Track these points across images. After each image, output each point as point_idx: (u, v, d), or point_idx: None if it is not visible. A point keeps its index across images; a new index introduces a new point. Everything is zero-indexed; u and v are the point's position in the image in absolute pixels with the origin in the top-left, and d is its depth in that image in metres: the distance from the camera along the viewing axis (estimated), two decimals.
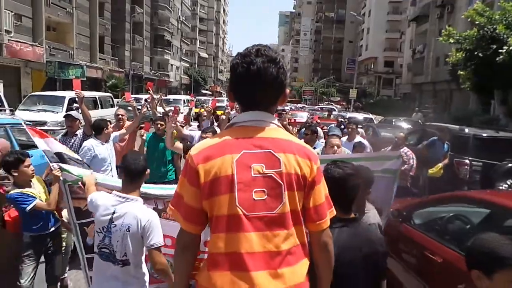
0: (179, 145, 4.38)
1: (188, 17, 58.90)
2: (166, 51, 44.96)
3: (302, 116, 16.53)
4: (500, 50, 11.37)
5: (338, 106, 39.51)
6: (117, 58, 32.84)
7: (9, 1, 18.57)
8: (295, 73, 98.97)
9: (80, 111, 4.82)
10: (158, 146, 4.95)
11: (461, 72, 14.13)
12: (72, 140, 4.56)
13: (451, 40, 13.55)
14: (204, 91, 54.83)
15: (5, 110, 10.84)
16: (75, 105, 13.51)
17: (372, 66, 54.71)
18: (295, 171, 1.37)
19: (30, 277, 2.97)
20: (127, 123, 5.45)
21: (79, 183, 2.65)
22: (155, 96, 6.48)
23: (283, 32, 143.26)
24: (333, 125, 9.91)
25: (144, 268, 2.33)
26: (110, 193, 2.33)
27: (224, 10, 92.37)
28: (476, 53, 12.48)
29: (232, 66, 1.42)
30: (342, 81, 60.57)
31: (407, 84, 40.53)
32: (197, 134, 5.05)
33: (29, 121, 10.76)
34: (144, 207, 2.25)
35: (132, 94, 26.64)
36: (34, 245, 3.02)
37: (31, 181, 3.03)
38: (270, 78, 1.38)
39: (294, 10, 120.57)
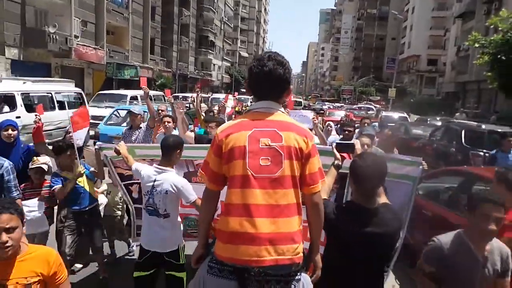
0: (190, 134, 4.74)
1: (230, 17, 60.64)
2: (210, 51, 47.00)
3: (340, 115, 17.34)
4: None
5: (377, 105, 39.42)
6: (165, 59, 35.14)
7: (77, 9, 20.98)
8: (334, 71, 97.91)
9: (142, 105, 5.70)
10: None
11: (488, 74, 14.80)
12: (137, 133, 5.06)
13: (476, 45, 14.44)
14: (243, 90, 56.32)
15: (87, 107, 12.90)
16: (134, 102, 15.44)
17: (414, 64, 53.51)
18: (294, 145, 1.75)
19: (69, 245, 3.46)
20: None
21: (117, 155, 3.31)
22: (194, 95, 6.81)
23: (323, 30, 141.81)
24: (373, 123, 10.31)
25: (179, 220, 3.05)
26: (151, 165, 2.97)
27: (265, 9, 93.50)
28: (499, 56, 13.24)
29: (250, 68, 1.86)
30: (383, 79, 59.64)
31: (450, 83, 39.56)
32: None
33: (99, 116, 12.67)
34: (177, 176, 2.88)
35: (177, 92, 28.63)
36: (73, 219, 3.53)
37: (73, 166, 3.53)
38: (278, 77, 1.80)
39: (335, 8, 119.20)
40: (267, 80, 1.79)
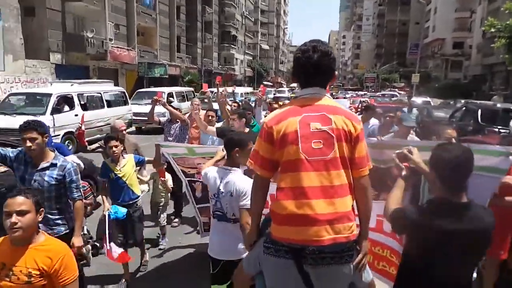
0: (212, 128, 4.65)
1: (251, 11, 61.23)
2: (232, 46, 47.94)
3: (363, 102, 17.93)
4: None
5: (402, 92, 39.23)
6: (190, 56, 36.38)
7: (110, 13, 22.38)
8: (356, 60, 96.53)
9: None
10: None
11: (506, 56, 15.43)
12: (175, 126, 5.52)
13: (493, 29, 15.23)
14: (265, 83, 57.08)
15: (129, 104, 14.14)
16: (170, 98, 16.55)
17: (439, 48, 52.42)
18: (343, 128, 1.79)
19: (116, 236, 3.63)
20: (202, 112, 5.97)
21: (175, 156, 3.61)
22: (222, 89, 7.03)
23: (344, 17, 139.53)
24: (405, 109, 10.05)
25: None
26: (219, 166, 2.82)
27: (284, 1, 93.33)
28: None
29: (297, 59, 1.90)
30: (407, 65, 58.62)
31: (476, 66, 38.79)
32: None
33: (141, 113, 13.83)
34: (242, 176, 2.61)
35: (202, 88, 29.56)
36: None
37: (121, 157, 3.74)
38: (325, 67, 1.85)
39: None
40: (314, 71, 1.86)
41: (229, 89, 10.64)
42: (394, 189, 2.07)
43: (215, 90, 7.50)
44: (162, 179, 4.44)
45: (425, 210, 1.83)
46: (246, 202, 2.42)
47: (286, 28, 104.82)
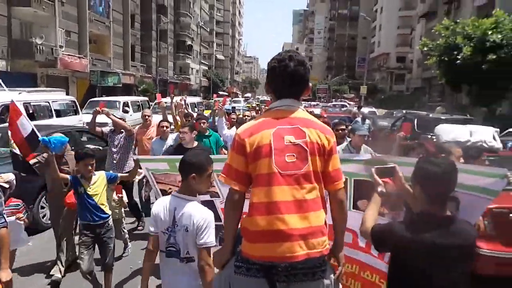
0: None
1: (206, 22, 61.58)
2: (187, 55, 47.92)
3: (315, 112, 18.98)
4: (458, 56, 14.95)
5: (352, 102, 41.43)
6: (145, 65, 35.93)
7: (61, 20, 21.68)
8: None
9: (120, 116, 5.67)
10: (203, 143, 5.13)
11: (437, 71, 17.84)
12: (119, 137, 5.26)
13: (425, 48, 17.41)
14: (221, 93, 57.50)
15: (80, 114, 13.68)
16: (125, 108, 16.34)
17: (384, 62, 56.04)
18: (317, 141, 1.77)
19: (87, 261, 3.39)
20: (154, 122, 6.01)
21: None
22: (177, 99, 6.98)
23: (297, 30, 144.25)
24: (358, 119, 10.48)
25: None
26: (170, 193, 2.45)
27: (239, 12, 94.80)
28: (443, 57, 16.14)
29: (272, 68, 1.85)
30: (356, 77, 61.86)
31: (417, 79, 42.07)
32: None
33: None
34: (200, 207, 2.20)
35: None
36: (86, 233, 3.45)
37: (92, 176, 3.46)
38: (300, 76, 1.83)
39: (307, 9, 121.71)
40: (290, 80, 1.83)
41: (178, 98, 10.26)
42: (371, 205, 2.06)
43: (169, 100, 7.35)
44: (119, 195, 4.33)
45: (414, 224, 1.80)
46: (207, 240, 2.12)
47: (241, 39, 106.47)
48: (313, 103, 42.39)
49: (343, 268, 1.98)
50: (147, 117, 6.08)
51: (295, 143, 1.76)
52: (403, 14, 53.09)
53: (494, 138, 4.53)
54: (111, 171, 4.34)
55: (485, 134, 4.54)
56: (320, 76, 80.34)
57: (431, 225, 1.75)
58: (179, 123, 6.10)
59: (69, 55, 21.95)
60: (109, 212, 3.62)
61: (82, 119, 13.37)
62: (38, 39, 19.09)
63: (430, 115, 8.67)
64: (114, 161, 5.19)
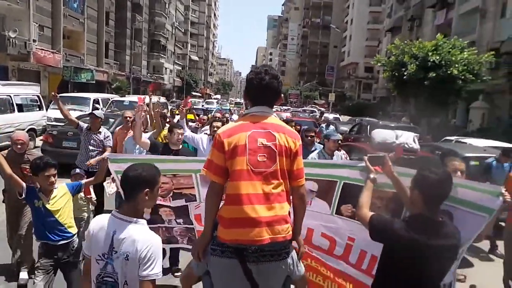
0: (146, 140, 4.33)
1: (181, 22, 61.63)
2: (161, 55, 47.96)
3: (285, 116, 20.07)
4: (405, 72, 17.55)
5: (322, 108, 43.02)
6: (119, 62, 35.82)
7: (35, 14, 21.58)
8: (282, 76, 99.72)
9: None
10: (187, 146, 5.02)
11: (390, 84, 20.27)
12: (96, 137, 5.28)
13: (379, 64, 20.21)
14: (194, 93, 57.63)
15: (44, 109, 12.95)
16: (96, 105, 16.08)
17: (353, 71, 58.39)
18: (285, 144, 2.07)
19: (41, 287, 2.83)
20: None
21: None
22: (154, 99, 6.89)
23: (271, 35, 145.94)
24: (323, 125, 11.37)
25: None
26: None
27: (214, 15, 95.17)
28: (393, 73, 18.80)
29: (250, 79, 2.16)
30: (327, 84, 63.77)
31: (382, 89, 44.28)
32: (202, 137, 4.98)
33: (62, 119, 11.90)
34: (147, 232, 1.89)
35: (131, 95, 29.15)
36: (44, 255, 2.94)
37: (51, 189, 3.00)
38: (273, 88, 2.14)
39: (282, 15, 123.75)
40: (265, 91, 2.13)
41: (155, 98, 9.85)
42: (365, 191, 2.31)
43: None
44: (88, 196, 4.17)
45: (412, 225, 1.98)
46: (151, 271, 1.80)
47: (216, 41, 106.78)
48: (284, 107, 43.76)
49: (302, 249, 2.27)
50: (128, 118, 5.85)
51: (266, 145, 2.03)
52: (371, 27, 55.71)
53: (414, 141, 5.67)
54: (78, 170, 4.28)
55: (408, 138, 5.68)
56: (293, 82, 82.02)
57: (426, 226, 1.96)
58: (154, 122, 5.92)
59: (42, 49, 21.85)
60: (74, 231, 3.09)
61: (45, 115, 12.90)
62: (12, 32, 18.98)
63: (380, 122, 9.92)
64: (90, 159, 5.12)
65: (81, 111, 13.39)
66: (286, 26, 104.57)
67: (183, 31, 63.08)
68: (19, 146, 3.79)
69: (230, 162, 2.05)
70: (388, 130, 6.08)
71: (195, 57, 75.62)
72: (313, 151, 5.03)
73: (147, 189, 1.88)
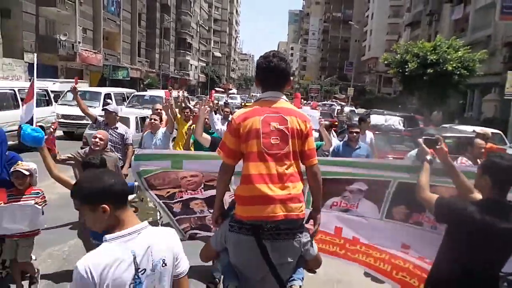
0: (207, 136, 4.23)
1: (205, 20, 63.69)
2: (187, 52, 50.36)
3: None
4: (407, 69, 19.97)
5: (342, 102, 43.87)
6: (149, 60, 38.40)
7: (79, 18, 24.13)
8: (303, 71, 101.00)
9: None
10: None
11: (396, 80, 22.54)
12: (112, 131, 4.93)
13: (386, 62, 22.70)
14: (217, 89, 59.56)
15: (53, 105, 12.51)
16: (108, 100, 14.83)
17: (374, 66, 58.50)
18: (296, 127, 2.19)
19: None
20: (165, 117, 5.70)
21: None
22: (179, 94, 7.12)
23: (292, 30, 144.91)
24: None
25: None
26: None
27: (236, 11, 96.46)
28: (398, 69, 21.17)
29: (259, 64, 2.28)
30: (348, 79, 64.04)
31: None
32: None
33: (71, 115, 12.46)
34: (169, 230, 1.72)
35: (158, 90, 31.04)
36: None
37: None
38: (281, 69, 2.24)
39: (302, 10, 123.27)
40: (273, 73, 2.23)
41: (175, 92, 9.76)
42: (423, 173, 2.35)
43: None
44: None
45: (485, 208, 2.01)
46: (186, 266, 1.67)
47: (238, 37, 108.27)
48: (305, 102, 44.81)
49: (318, 227, 2.36)
50: (159, 110, 5.85)
51: (279, 129, 2.14)
52: (392, 21, 55.44)
53: (399, 123, 7.52)
54: None
55: (394, 121, 7.54)
56: (314, 76, 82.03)
57: (499, 210, 1.99)
58: (178, 116, 5.94)
59: (86, 50, 24.41)
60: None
61: (54, 110, 12.00)
62: (62, 35, 21.51)
63: (385, 112, 11.57)
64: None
65: (91, 106, 12.02)
66: (307, 21, 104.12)
67: (207, 28, 65.07)
68: (95, 140, 3.88)
69: (245, 145, 2.18)
70: (379, 115, 8.03)
71: (218, 54, 77.41)
72: (357, 149, 5.02)
73: (102, 204, 1.48)
